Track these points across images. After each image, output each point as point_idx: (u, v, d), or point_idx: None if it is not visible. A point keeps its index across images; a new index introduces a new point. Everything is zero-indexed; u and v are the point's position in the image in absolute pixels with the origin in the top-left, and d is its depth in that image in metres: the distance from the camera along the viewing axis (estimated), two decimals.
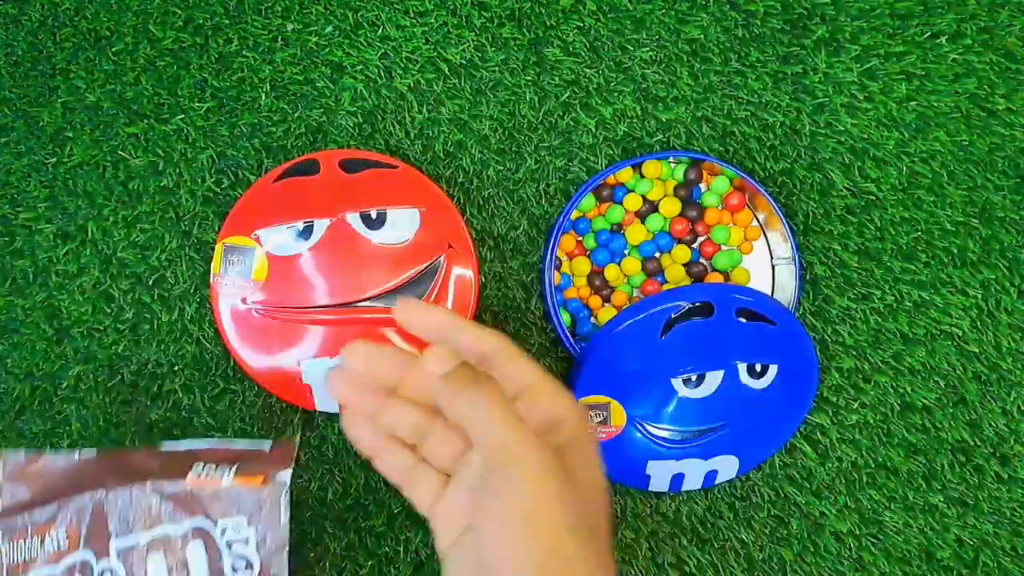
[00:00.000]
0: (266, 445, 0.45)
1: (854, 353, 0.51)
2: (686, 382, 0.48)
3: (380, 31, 0.51)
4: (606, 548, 0.36)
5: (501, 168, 0.51)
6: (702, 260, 0.51)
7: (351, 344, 0.40)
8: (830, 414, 0.51)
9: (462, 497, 0.39)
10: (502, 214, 0.51)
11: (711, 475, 0.49)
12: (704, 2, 0.52)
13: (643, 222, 0.51)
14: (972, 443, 0.51)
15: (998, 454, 0.51)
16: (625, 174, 0.50)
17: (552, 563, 0.35)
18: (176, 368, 0.50)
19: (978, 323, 0.52)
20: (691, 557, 0.50)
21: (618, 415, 0.48)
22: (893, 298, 0.52)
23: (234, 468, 0.42)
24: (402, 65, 0.51)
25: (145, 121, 0.51)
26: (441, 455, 0.40)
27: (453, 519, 0.39)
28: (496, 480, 0.35)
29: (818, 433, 0.51)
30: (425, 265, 0.48)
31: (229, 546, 0.42)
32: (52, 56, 0.51)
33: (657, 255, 0.51)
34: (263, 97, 0.51)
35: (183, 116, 0.51)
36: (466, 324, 0.40)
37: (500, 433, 0.36)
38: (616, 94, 0.51)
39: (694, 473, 0.49)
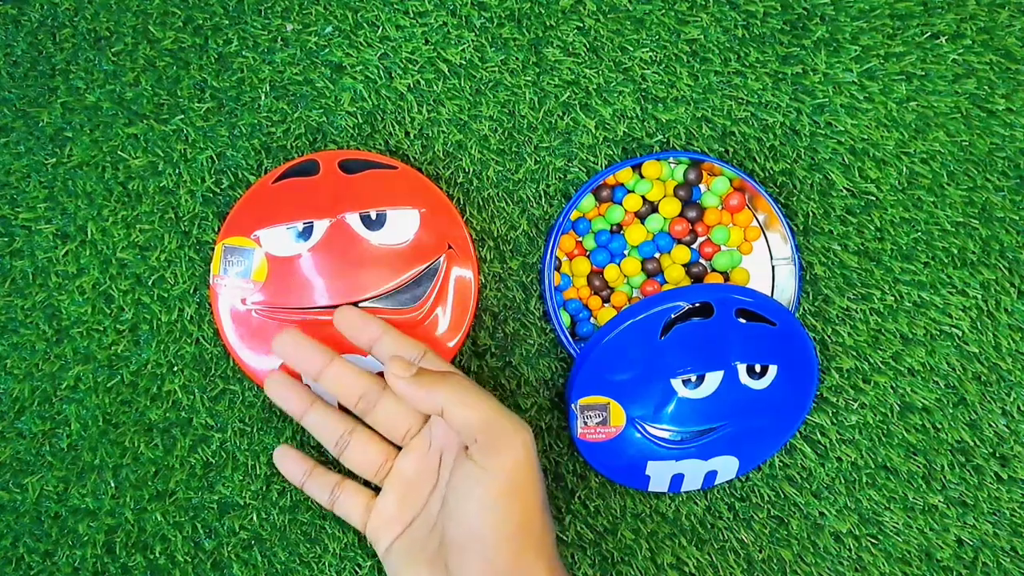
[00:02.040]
0: None
1: (854, 353, 0.51)
2: (686, 383, 0.48)
3: (380, 31, 0.51)
4: (554, 544, 0.39)
5: (501, 168, 0.51)
6: (702, 260, 0.51)
7: (279, 335, 0.45)
8: (830, 414, 0.51)
9: (392, 503, 0.42)
10: (502, 214, 0.51)
11: (711, 475, 0.49)
12: (704, 2, 0.52)
13: (643, 222, 0.51)
14: (972, 443, 0.51)
15: (998, 454, 0.51)
16: (625, 174, 0.50)
17: (526, 534, 0.38)
18: (176, 368, 0.50)
19: (978, 323, 0.52)
20: (691, 557, 0.50)
21: (617, 416, 0.48)
22: (893, 298, 0.52)
23: None
24: (402, 65, 0.51)
25: (145, 121, 0.51)
26: (363, 462, 0.44)
27: (390, 524, 0.42)
28: (483, 455, 0.38)
29: (818, 433, 0.51)
30: (425, 266, 0.48)
31: None
32: (52, 56, 0.51)
33: (657, 255, 0.51)
34: (263, 97, 0.51)
35: (183, 116, 0.51)
36: (396, 332, 0.45)
37: (489, 413, 0.39)
38: (616, 94, 0.51)
39: (694, 473, 0.49)
